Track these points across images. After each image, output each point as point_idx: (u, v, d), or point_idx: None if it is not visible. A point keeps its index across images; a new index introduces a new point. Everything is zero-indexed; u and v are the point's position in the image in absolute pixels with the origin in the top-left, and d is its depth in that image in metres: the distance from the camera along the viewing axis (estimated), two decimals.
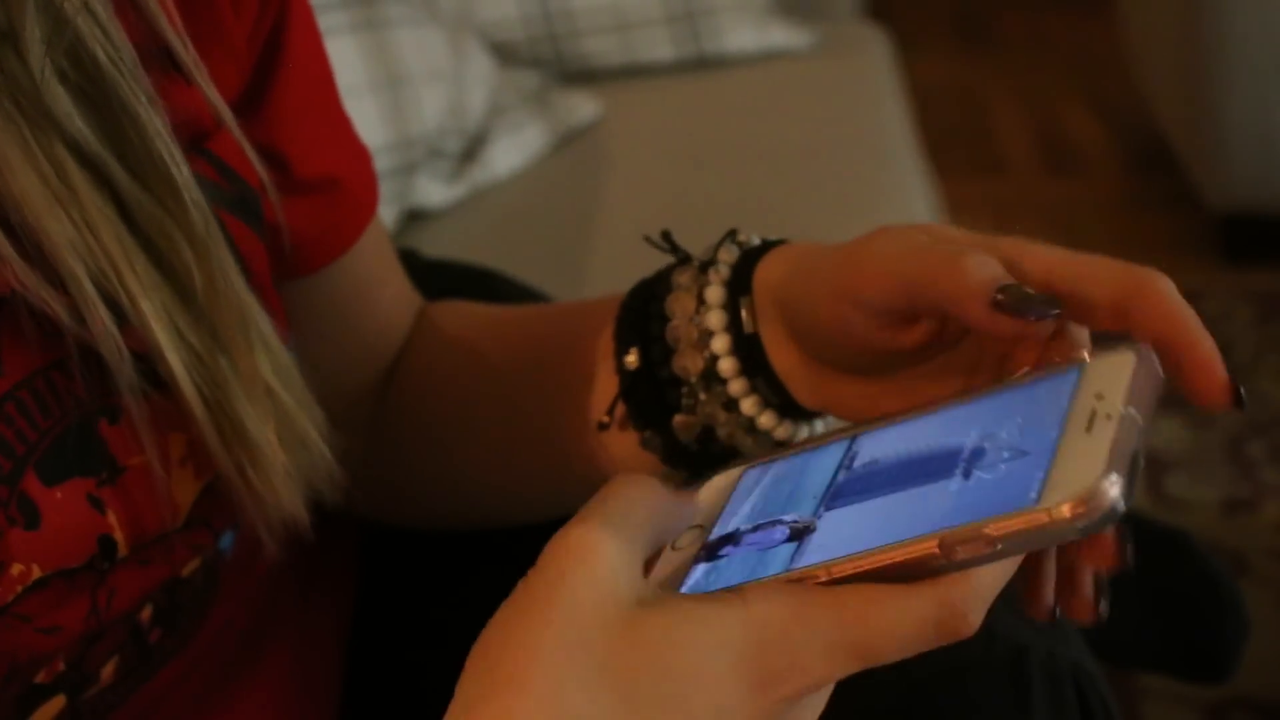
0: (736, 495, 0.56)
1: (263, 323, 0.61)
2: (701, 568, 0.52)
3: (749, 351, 0.62)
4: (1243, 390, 0.50)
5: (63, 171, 0.55)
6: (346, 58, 1.42)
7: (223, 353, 0.59)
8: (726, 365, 0.63)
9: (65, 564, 0.58)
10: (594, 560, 0.48)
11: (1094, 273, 0.53)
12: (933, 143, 1.86)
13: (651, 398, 0.65)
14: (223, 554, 0.66)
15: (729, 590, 0.49)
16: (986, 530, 0.47)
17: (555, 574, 0.48)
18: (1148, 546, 1.02)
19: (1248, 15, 2.13)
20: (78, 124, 0.55)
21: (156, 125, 0.57)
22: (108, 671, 0.62)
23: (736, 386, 0.63)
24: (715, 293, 0.63)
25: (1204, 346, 0.51)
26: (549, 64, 1.74)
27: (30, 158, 0.54)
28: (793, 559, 0.50)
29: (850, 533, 0.50)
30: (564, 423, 0.70)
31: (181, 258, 0.58)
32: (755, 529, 0.53)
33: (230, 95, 0.64)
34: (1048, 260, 0.53)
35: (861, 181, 1.51)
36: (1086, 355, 0.52)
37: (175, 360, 0.57)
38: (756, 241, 0.64)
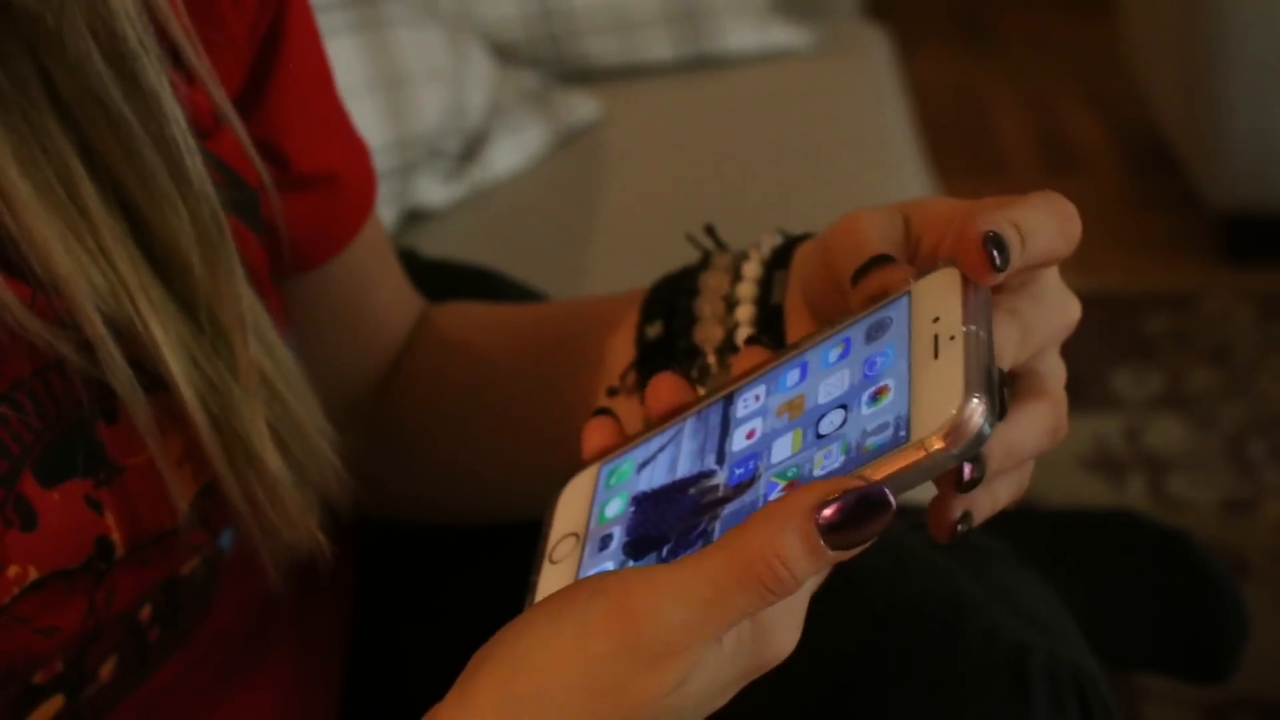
0: (599, 493, 0.55)
1: (264, 323, 0.62)
2: (597, 570, 0.52)
3: (770, 324, 0.63)
4: (997, 253, 0.49)
5: (73, 188, 0.55)
6: (346, 58, 1.42)
7: (229, 370, 0.59)
8: (745, 335, 0.63)
9: (62, 565, 0.58)
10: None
11: (936, 217, 0.54)
12: (933, 143, 1.86)
13: (664, 367, 0.65)
14: (222, 552, 0.66)
15: (576, 585, 0.49)
16: (866, 477, 0.47)
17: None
18: (1148, 546, 1.02)
19: (1248, 15, 2.13)
20: (115, 103, 0.55)
21: (176, 112, 0.57)
22: (107, 670, 0.62)
23: None
24: (753, 268, 0.64)
25: (978, 216, 0.50)
26: (549, 64, 1.74)
27: (40, 181, 0.54)
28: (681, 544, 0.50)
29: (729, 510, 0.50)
30: (572, 402, 0.70)
31: (187, 257, 0.58)
32: (632, 531, 0.52)
33: (230, 91, 0.64)
34: (930, 214, 0.55)
35: (861, 181, 1.51)
36: (910, 280, 0.52)
37: (188, 390, 0.58)
38: (799, 234, 0.65)
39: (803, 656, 0.52)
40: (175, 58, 0.60)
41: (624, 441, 0.57)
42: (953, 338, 0.48)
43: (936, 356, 0.48)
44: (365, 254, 0.74)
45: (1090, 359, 2.03)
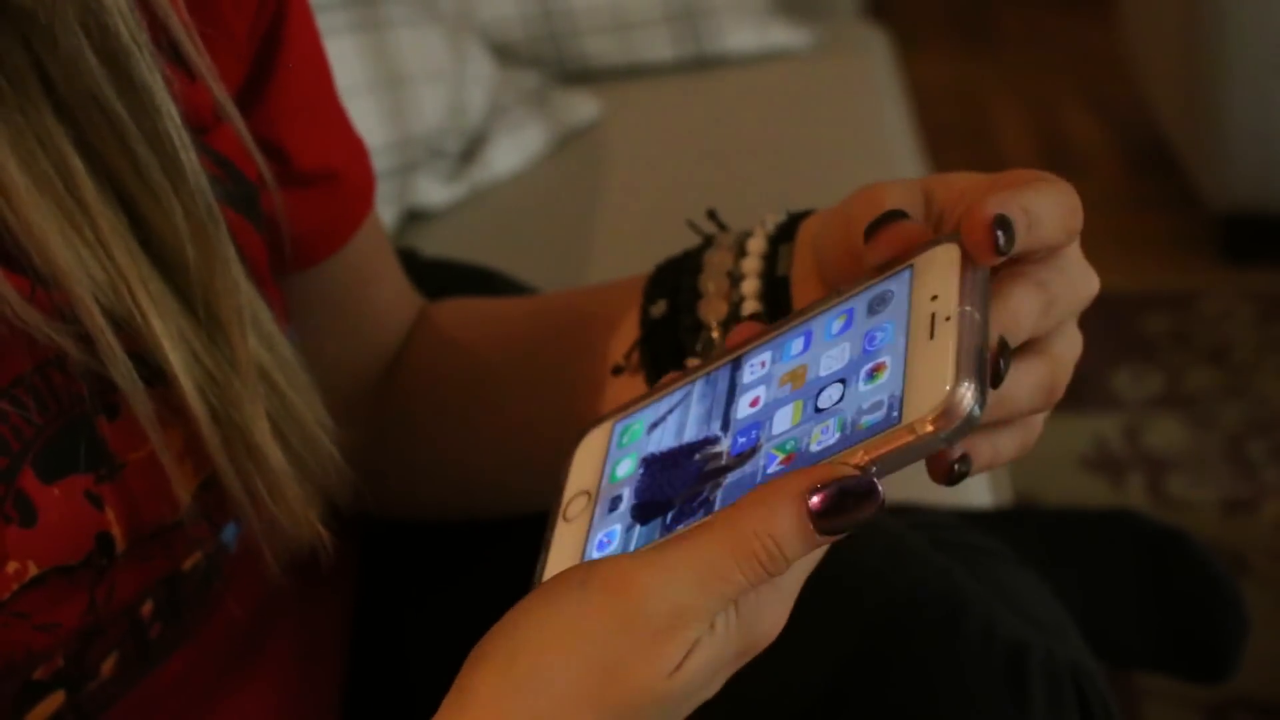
0: (611, 451, 0.56)
1: (263, 316, 0.62)
2: (605, 534, 0.53)
3: (775, 298, 0.63)
4: (1002, 236, 0.49)
5: (70, 181, 0.55)
6: (346, 58, 1.42)
7: (229, 363, 0.59)
8: (750, 308, 0.63)
9: (62, 561, 0.58)
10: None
11: (959, 193, 0.55)
12: (933, 143, 1.86)
13: (668, 344, 0.66)
14: (225, 547, 0.66)
15: (570, 571, 0.50)
16: (857, 458, 0.48)
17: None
18: (1147, 546, 1.02)
19: (1248, 15, 2.13)
20: (108, 99, 0.55)
21: (170, 108, 0.58)
22: (108, 666, 0.62)
23: None
24: (757, 243, 0.64)
25: (988, 198, 0.50)
26: (549, 64, 1.74)
27: (38, 174, 0.54)
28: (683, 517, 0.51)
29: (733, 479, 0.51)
30: (572, 392, 0.70)
31: (183, 251, 0.58)
32: (642, 495, 0.53)
33: (230, 88, 0.64)
34: (953, 190, 0.56)
35: (861, 182, 1.51)
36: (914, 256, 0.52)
37: (188, 383, 0.58)
38: (802, 210, 0.66)
39: (801, 654, 0.52)
40: (175, 54, 0.60)
41: (638, 399, 0.57)
42: (948, 318, 0.49)
43: (932, 337, 0.49)
44: (365, 251, 0.75)
45: (1090, 359, 2.02)
